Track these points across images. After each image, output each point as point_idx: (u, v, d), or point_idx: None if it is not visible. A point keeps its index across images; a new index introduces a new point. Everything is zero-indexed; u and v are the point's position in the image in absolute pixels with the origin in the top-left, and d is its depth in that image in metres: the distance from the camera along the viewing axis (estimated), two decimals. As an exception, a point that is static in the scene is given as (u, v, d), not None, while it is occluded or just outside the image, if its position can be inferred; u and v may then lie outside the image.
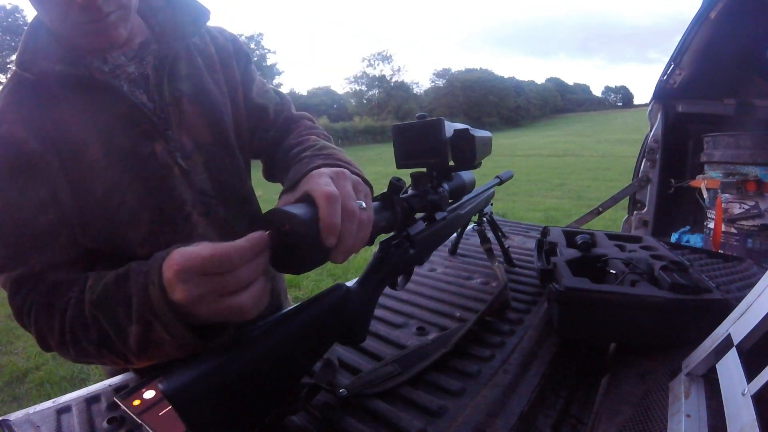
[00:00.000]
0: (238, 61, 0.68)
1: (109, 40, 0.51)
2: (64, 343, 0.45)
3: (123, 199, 0.53)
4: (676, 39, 1.83)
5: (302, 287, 2.88)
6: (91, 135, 0.52)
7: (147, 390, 0.46)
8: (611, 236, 0.83)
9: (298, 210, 0.35)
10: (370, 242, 0.43)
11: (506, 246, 0.89)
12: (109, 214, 0.53)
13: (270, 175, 0.71)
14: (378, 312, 0.68)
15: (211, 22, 0.64)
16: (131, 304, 0.40)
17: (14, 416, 0.47)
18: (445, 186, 0.58)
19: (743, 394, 0.33)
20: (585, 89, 73.67)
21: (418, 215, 0.55)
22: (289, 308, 0.40)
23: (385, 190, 0.47)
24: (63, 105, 0.51)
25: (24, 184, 0.49)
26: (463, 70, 48.97)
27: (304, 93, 47.34)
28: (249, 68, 0.69)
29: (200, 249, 0.35)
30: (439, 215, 0.57)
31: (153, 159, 0.55)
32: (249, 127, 0.68)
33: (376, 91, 44.97)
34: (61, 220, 0.51)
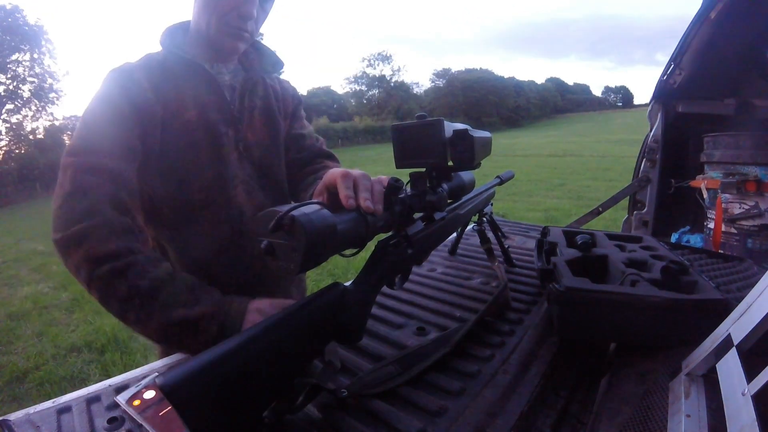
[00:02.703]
0: (293, 101, 0.91)
1: (236, 47, 0.73)
2: (110, 269, 0.56)
3: (198, 153, 0.72)
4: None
5: (302, 287, 2.88)
6: (192, 103, 0.71)
7: (147, 390, 0.46)
8: (611, 236, 0.83)
9: (300, 211, 0.35)
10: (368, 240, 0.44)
11: (506, 246, 0.89)
12: (186, 161, 0.71)
13: (291, 193, 0.89)
14: (378, 312, 0.68)
15: None
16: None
17: (14, 416, 0.47)
18: (444, 186, 0.58)
19: (743, 394, 0.33)
20: (585, 89, 73.68)
21: (417, 215, 0.55)
22: (287, 307, 0.40)
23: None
24: (180, 80, 0.71)
25: (125, 126, 0.65)
26: (463, 70, 48.96)
27: (304, 93, 47.26)
28: (299, 109, 0.93)
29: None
30: (437, 215, 0.57)
31: (226, 137, 0.74)
32: (286, 146, 0.88)
33: (376, 91, 44.98)
34: (134, 169, 0.65)
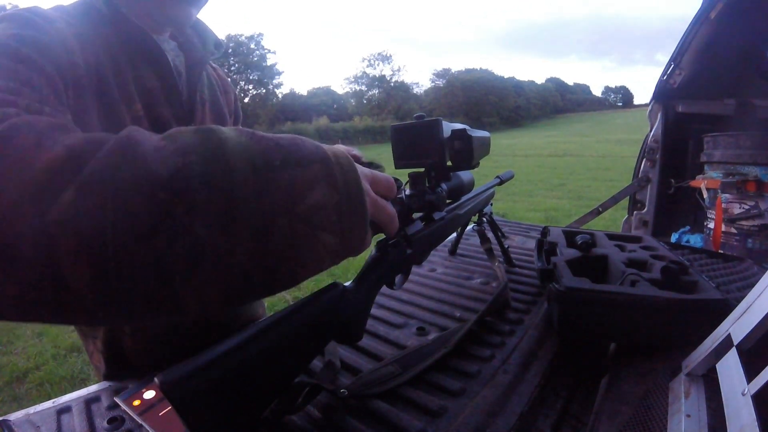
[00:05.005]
0: (233, 95, 0.77)
1: (187, 14, 0.57)
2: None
3: None
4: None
5: (302, 287, 2.88)
6: (137, 93, 0.52)
7: (147, 390, 0.47)
8: (611, 236, 0.83)
9: None
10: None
11: (506, 246, 0.89)
12: None
13: None
14: (378, 312, 0.68)
15: (212, 20, 0.71)
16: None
17: (14, 416, 0.47)
18: (443, 186, 0.58)
19: (743, 394, 0.33)
20: (585, 89, 73.70)
21: (416, 215, 0.55)
22: (286, 307, 0.40)
23: None
24: (117, 52, 0.50)
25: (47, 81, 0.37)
26: (463, 70, 49.02)
27: (304, 93, 47.27)
28: (238, 104, 0.79)
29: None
30: (437, 215, 0.57)
31: None
32: None
33: (376, 91, 45.00)
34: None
